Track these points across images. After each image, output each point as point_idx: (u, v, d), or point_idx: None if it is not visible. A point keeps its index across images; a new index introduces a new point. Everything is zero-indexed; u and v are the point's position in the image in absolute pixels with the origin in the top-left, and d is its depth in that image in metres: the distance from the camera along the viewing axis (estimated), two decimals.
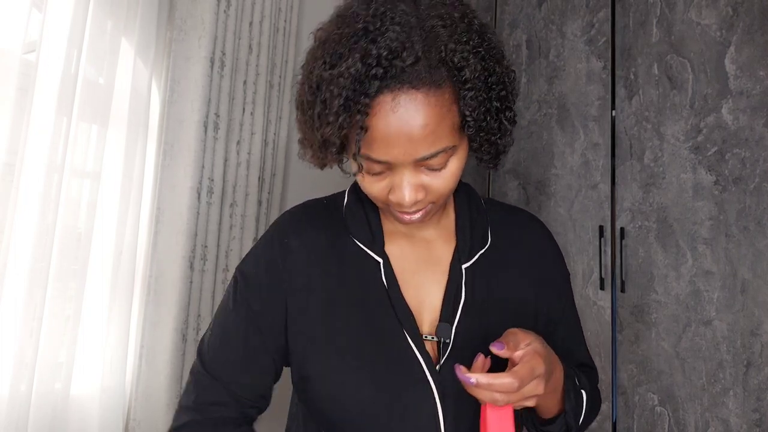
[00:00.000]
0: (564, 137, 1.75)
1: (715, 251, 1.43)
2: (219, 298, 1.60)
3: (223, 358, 0.74)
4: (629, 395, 1.52)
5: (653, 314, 1.52)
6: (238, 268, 0.77)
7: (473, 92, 0.59)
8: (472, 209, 0.79)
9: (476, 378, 0.57)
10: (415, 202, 0.63)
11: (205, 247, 1.55)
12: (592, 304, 1.61)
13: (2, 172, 1.21)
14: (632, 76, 1.62)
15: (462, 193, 0.80)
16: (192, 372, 0.77)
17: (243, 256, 0.85)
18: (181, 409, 0.75)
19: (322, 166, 0.68)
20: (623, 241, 1.59)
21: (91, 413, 1.38)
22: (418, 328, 0.70)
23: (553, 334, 0.78)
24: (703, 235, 1.46)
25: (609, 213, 1.63)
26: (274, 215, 1.81)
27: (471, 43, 0.60)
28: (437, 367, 0.69)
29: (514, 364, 0.60)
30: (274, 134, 1.79)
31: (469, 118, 0.60)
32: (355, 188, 0.78)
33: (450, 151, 0.61)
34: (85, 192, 1.37)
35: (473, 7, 0.67)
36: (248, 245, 1.67)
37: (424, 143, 0.58)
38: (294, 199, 1.94)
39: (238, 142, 1.66)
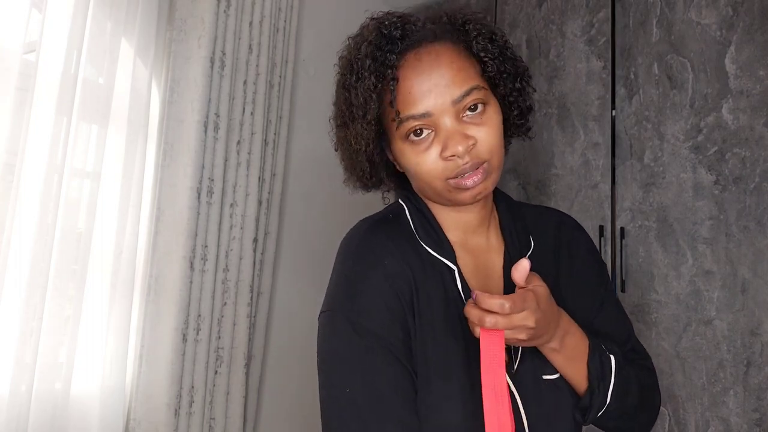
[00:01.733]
0: (564, 137, 1.75)
1: (715, 251, 1.43)
2: (219, 298, 1.60)
3: (379, 411, 0.65)
4: None
5: (653, 314, 1.52)
6: (342, 310, 0.69)
7: (481, 38, 0.69)
8: (513, 214, 0.81)
9: (477, 292, 0.62)
10: (468, 149, 0.66)
11: (205, 247, 1.55)
12: None
13: (2, 172, 1.21)
14: (632, 76, 1.62)
15: (501, 200, 0.82)
16: None
17: (324, 295, 0.73)
18: None
19: (366, 186, 0.78)
20: (623, 241, 1.59)
21: (91, 413, 1.38)
22: None
23: (592, 324, 0.78)
24: (703, 234, 1.45)
25: (609, 213, 1.63)
26: (274, 215, 1.80)
27: (469, 14, 0.72)
28: (514, 371, 0.70)
29: None
30: (274, 134, 1.79)
31: (485, 58, 0.69)
32: (409, 197, 0.78)
33: (483, 92, 0.68)
34: (85, 192, 1.37)
35: (473, 8, 0.70)
36: (248, 245, 1.67)
37: (456, 80, 0.66)
38: (294, 199, 1.94)
39: (238, 142, 1.66)
